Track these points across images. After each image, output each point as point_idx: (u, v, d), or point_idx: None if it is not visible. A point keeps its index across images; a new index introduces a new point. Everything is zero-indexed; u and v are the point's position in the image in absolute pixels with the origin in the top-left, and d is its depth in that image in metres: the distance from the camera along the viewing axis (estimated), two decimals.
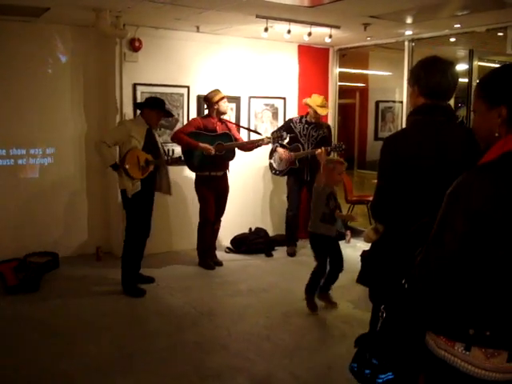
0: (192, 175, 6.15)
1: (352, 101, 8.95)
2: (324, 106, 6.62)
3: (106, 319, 4.64)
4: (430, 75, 2.50)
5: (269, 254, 6.76)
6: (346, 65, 7.87)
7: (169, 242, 6.71)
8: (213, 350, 4.06)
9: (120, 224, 6.24)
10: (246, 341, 4.22)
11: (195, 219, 6.24)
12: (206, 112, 6.13)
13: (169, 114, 5.56)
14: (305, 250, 6.91)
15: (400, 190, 2.47)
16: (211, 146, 5.76)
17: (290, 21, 5.62)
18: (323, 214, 4.77)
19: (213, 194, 6.02)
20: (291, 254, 6.82)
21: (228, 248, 6.90)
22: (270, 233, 7.18)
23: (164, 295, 5.22)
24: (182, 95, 6.61)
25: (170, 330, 4.42)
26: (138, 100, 6.21)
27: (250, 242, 6.85)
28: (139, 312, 4.86)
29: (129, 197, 5.13)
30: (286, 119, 7.10)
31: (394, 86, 8.22)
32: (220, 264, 6.24)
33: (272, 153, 6.83)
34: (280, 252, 6.86)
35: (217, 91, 5.91)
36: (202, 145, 5.74)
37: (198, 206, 6.13)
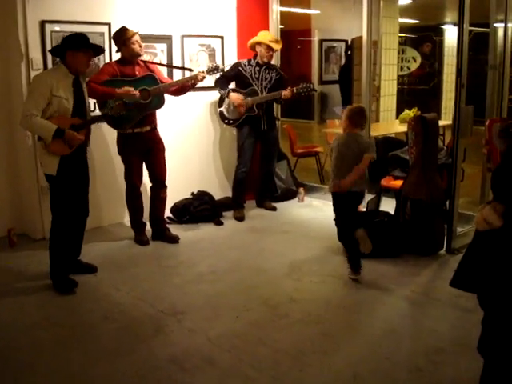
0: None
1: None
2: (277, 41, 5.81)
3: (35, 333, 3.46)
4: None
5: (218, 222, 5.78)
6: (287, 2, 6.85)
7: (98, 216, 5.48)
8: (195, 368, 3.04)
9: (35, 199, 5.10)
10: (235, 348, 3.24)
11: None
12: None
13: (99, 50, 4.29)
14: (253, 212, 6.08)
15: None
16: None
17: None
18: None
19: (139, 155, 4.96)
20: (240, 218, 5.91)
21: (168, 218, 5.80)
22: (216, 196, 6.17)
23: (108, 290, 4.09)
24: (102, 34, 5.30)
25: (129, 342, 3.33)
26: (48, 42, 4.89)
27: (194, 210, 5.83)
28: (81, 318, 3.68)
29: (48, 173, 4.05)
30: (233, 63, 6.01)
31: (339, 25, 7.29)
32: (176, 240, 5.18)
33: (222, 100, 5.81)
34: (228, 218, 5.90)
35: (124, 28, 4.75)
36: (119, 90, 4.59)
37: None
